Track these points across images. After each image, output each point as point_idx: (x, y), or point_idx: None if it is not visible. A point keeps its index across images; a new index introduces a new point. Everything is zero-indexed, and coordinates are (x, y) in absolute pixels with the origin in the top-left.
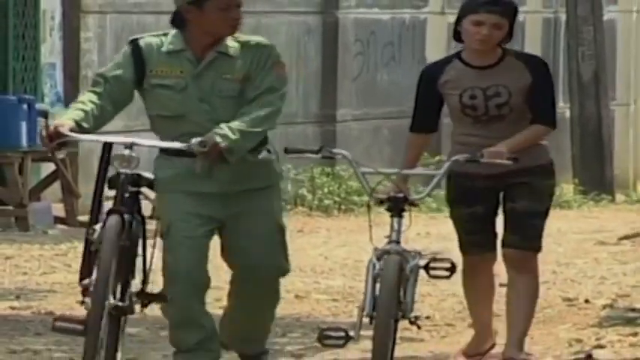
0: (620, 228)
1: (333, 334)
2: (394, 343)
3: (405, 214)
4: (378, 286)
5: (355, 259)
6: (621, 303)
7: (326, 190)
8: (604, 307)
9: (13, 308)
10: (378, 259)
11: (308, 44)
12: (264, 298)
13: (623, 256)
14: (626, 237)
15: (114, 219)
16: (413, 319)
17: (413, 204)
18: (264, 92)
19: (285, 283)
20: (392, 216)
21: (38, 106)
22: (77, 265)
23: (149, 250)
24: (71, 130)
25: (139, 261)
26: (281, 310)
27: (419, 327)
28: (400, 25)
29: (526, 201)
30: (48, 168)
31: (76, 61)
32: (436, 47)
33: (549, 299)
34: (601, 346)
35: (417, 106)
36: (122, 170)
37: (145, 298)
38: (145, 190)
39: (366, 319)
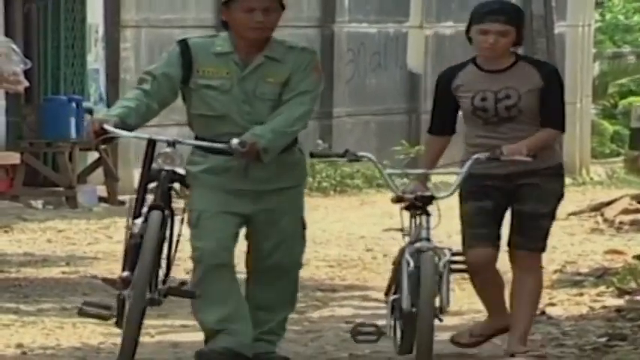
0: (569, 206)
1: (365, 329)
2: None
3: (433, 212)
4: (406, 282)
5: (348, 232)
6: (569, 268)
7: (324, 174)
8: (555, 272)
9: (63, 273)
10: (412, 256)
11: None
12: (282, 288)
13: (571, 229)
14: (574, 213)
15: (156, 215)
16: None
17: (432, 202)
18: (299, 94)
19: None
20: (420, 214)
21: (84, 104)
22: (118, 236)
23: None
24: (115, 127)
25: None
26: None
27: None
28: (385, 37)
29: (533, 203)
30: (93, 156)
31: (116, 67)
32: (415, 56)
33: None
34: (553, 304)
35: (435, 110)
36: (166, 167)
37: (176, 293)
38: (175, 185)
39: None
